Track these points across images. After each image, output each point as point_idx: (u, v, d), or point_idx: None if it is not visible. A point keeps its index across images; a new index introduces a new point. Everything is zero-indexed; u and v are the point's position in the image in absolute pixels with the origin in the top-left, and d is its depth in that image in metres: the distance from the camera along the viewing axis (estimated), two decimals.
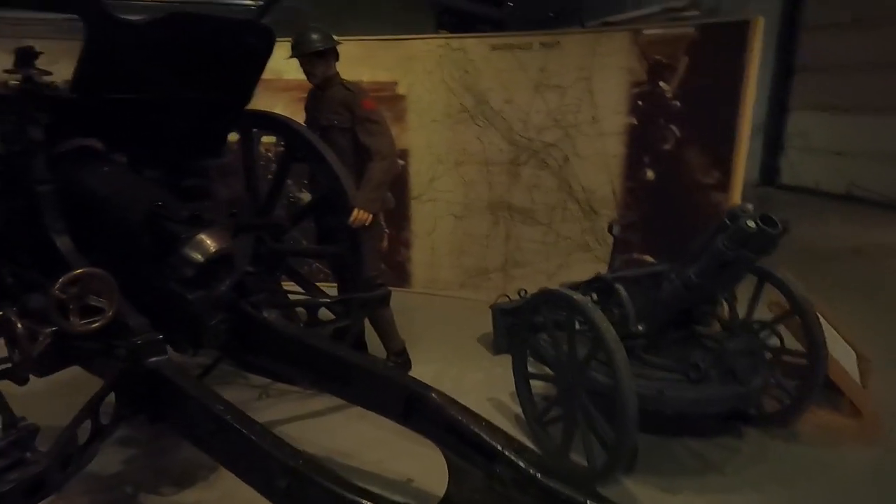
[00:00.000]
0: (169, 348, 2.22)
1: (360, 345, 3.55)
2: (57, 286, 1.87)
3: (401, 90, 4.53)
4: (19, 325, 1.90)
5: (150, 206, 2.18)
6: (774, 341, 2.69)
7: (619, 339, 2.22)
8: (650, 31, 3.75)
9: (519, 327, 2.77)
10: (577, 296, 2.38)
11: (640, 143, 3.88)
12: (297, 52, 3.03)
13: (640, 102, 3.84)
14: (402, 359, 3.44)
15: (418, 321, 4.35)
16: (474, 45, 4.28)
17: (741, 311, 2.78)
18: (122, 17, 2.12)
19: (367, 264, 2.95)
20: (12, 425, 1.75)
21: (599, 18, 11.78)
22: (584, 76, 3.97)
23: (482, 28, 4.94)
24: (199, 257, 2.16)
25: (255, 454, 1.71)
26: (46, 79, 2.16)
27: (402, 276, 4.90)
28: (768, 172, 10.16)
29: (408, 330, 4.10)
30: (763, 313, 2.82)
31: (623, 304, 2.63)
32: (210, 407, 1.87)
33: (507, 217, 4.46)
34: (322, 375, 2.40)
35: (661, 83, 3.71)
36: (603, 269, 3.79)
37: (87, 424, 1.92)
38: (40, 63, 2.22)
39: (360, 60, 4.55)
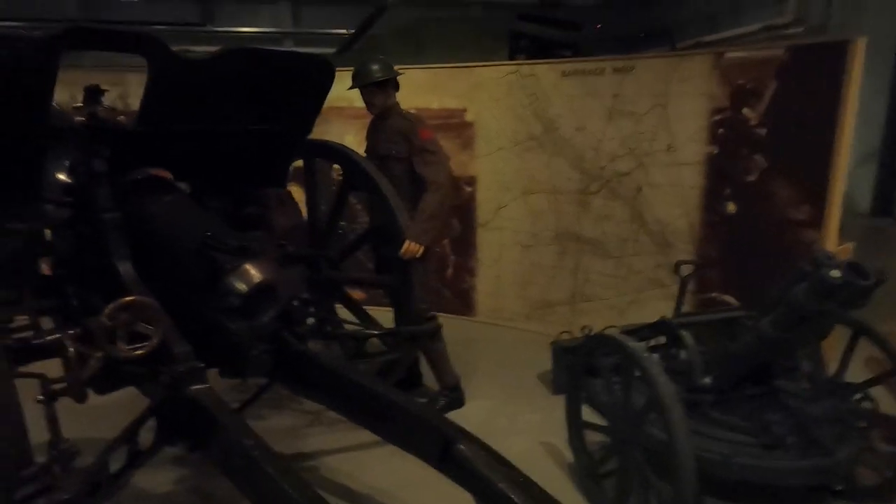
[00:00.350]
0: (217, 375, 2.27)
1: (415, 377, 3.49)
2: (106, 313, 1.94)
3: (469, 117, 4.49)
4: (71, 349, 1.99)
5: (201, 235, 2.24)
6: (869, 405, 2.34)
7: (675, 395, 2.01)
8: (733, 54, 3.48)
9: (574, 370, 2.60)
10: (632, 342, 2.19)
11: (721, 173, 3.59)
12: (356, 82, 3.06)
13: (720, 130, 3.56)
14: (455, 394, 3.33)
15: (478, 352, 4.24)
16: (545, 72, 4.17)
17: (832, 367, 2.46)
18: (183, 55, 2.21)
19: (418, 297, 2.89)
20: (54, 447, 1.82)
21: (693, 38, 11.28)
22: (660, 102, 3.75)
23: (561, 54, 4.81)
24: (242, 287, 2.18)
25: (278, 494, 1.67)
26: (113, 114, 2.28)
27: (466, 304, 4.81)
28: (884, 202, 9.21)
29: (466, 361, 4.01)
30: (858, 372, 2.48)
31: (688, 354, 2.40)
32: (240, 441, 1.85)
33: (575, 248, 4.27)
34: (360, 410, 2.35)
35: (745, 109, 3.42)
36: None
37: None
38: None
39: (429, 88, 4.57)
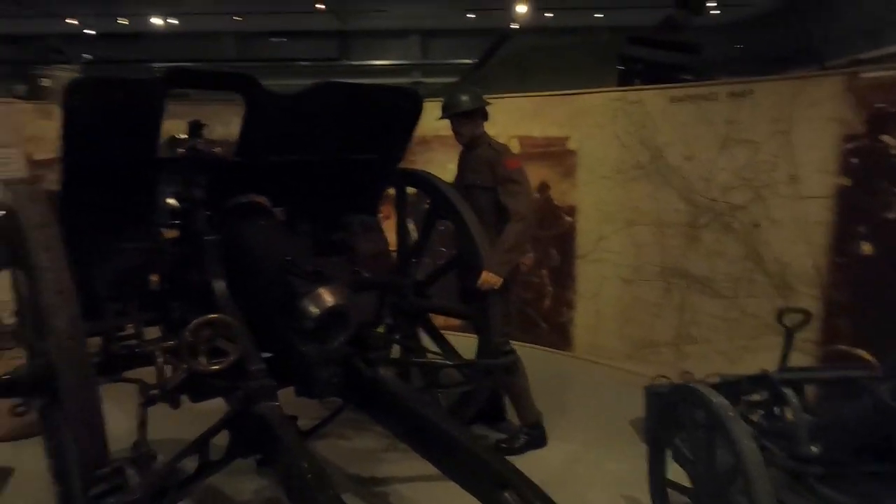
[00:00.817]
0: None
1: (498, 411, 3.39)
2: (190, 328, 2.10)
3: (571, 145, 4.36)
4: (159, 360, 2.17)
5: (281, 259, 2.36)
6: None
7: (761, 463, 1.75)
8: (870, 75, 3.06)
9: (659, 420, 2.38)
10: (717, 398, 1.95)
11: (854, 208, 3.14)
12: (445, 112, 3.09)
13: (854, 160, 3.13)
14: (535, 433, 3.19)
15: (570, 390, 4.04)
16: (652, 97, 3.95)
17: None
18: (275, 91, 2.37)
19: (496, 329, 2.82)
20: (136, 449, 1.99)
21: (847, 55, 10.17)
22: (782, 129, 3.38)
23: (681, 79, 4.52)
24: (314, 311, 2.25)
25: None
26: (211, 146, 2.49)
27: (563, 338, 4.62)
28: None
29: (555, 398, 3.84)
30: None
31: (793, 415, 2.09)
32: (297, 462, 1.90)
33: (682, 285, 3.95)
34: (423, 442, 2.33)
35: (885, 136, 2.98)
36: (802, 359, 3.13)
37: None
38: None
39: (531, 116, 4.52)
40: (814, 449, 2.05)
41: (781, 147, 3.40)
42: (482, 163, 3.04)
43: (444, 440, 2.20)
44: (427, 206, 3.18)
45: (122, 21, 13.37)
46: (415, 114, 2.84)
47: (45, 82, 9.28)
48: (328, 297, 2.29)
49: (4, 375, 2.15)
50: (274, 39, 15.94)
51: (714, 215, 3.75)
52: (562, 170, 4.43)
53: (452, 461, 2.17)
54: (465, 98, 3.03)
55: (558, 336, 4.64)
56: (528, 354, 4.66)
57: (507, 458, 2.97)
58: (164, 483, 1.89)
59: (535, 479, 2.89)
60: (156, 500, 1.85)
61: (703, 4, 5.29)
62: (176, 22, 13.55)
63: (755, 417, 2.34)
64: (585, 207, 4.37)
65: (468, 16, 13.24)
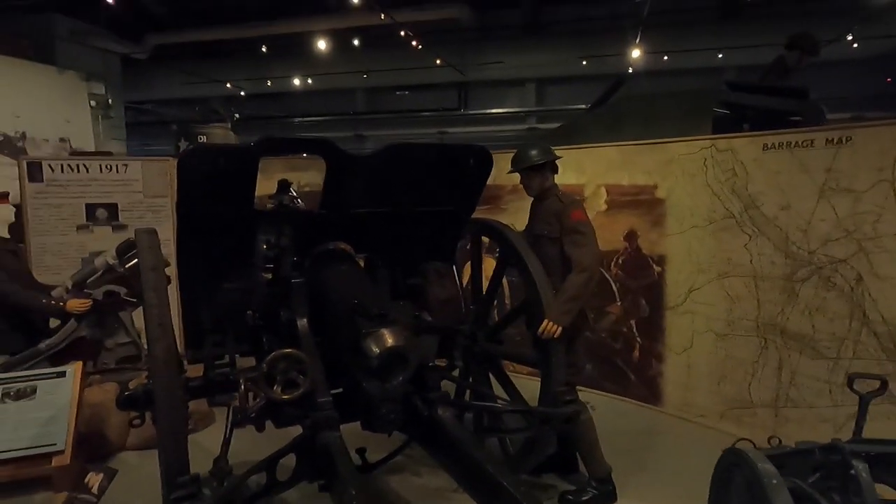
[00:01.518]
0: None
1: (570, 462, 3.36)
2: (266, 361, 2.39)
3: (660, 194, 4.29)
4: (242, 387, 2.49)
5: (350, 301, 2.61)
6: None
7: None
8: None
9: (714, 483, 2.28)
10: (764, 464, 1.86)
11: None
12: (514, 166, 3.24)
13: None
14: (603, 487, 3.12)
15: (654, 447, 3.88)
16: (743, 145, 3.81)
17: None
18: (351, 152, 2.67)
19: (556, 378, 2.85)
20: (216, 463, 2.29)
21: None
22: (886, 177, 3.12)
23: (794, 125, 4.24)
24: (375, 350, 2.46)
25: None
26: (294, 201, 2.84)
27: (652, 392, 4.45)
28: None
29: (637, 454, 3.73)
30: None
31: (861, 493, 1.93)
32: (348, 490, 2.09)
33: (779, 343, 3.69)
34: (472, 483, 2.43)
35: None
36: None
37: None
38: None
39: (619, 165, 4.52)
40: None
41: (886, 197, 3.13)
42: (550, 214, 3.13)
43: (490, 483, 2.28)
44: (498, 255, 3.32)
45: (269, 83, 15.13)
46: (484, 168, 3.01)
47: (202, 138, 10.73)
48: (389, 339, 2.49)
49: (126, 392, 2.59)
50: (399, 93, 17.08)
51: (814, 269, 3.50)
52: (650, 218, 4.36)
53: (494, 500, 2.24)
54: (533, 153, 3.16)
55: (648, 390, 4.48)
56: (616, 407, 4.61)
57: None
58: (231, 496, 2.16)
59: None
60: None
61: (816, 44, 4.99)
62: (310, 81, 15.05)
63: (826, 491, 2.16)
64: (675, 257, 4.24)
65: (582, 63, 13.35)
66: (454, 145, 3.01)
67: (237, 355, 2.83)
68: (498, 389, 3.35)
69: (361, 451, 2.98)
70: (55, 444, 3.29)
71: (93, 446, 3.53)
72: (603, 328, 4.72)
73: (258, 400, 2.48)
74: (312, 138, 2.68)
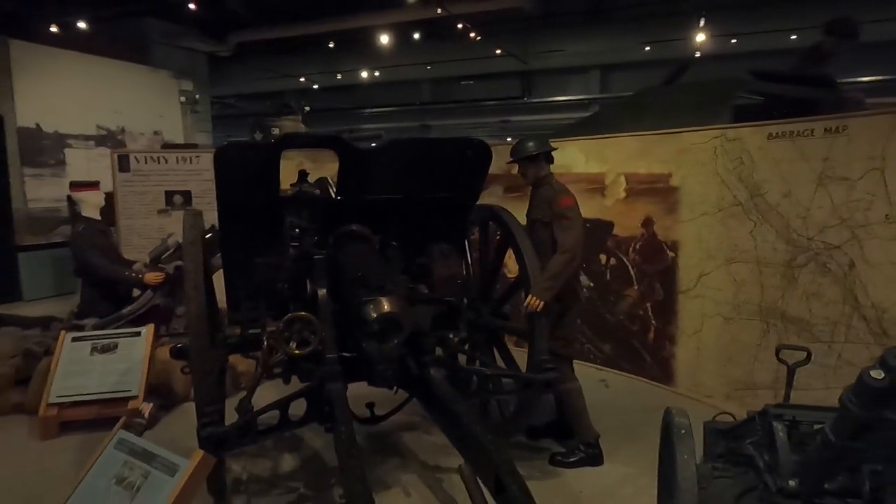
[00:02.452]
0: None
1: (566, 428, 3.65)
2: (283, 321, 2.88)
3: (674, 182, 4.44)
4: (265, 343, 2.99)
5: (355, 275, 3.05)
6: None
7: (693, 478, 1.92)
8: None
9: (661, 444, 2.55)
10: (679, 418, 2.14)
11: None
12: (512, 156, 3.54)
13: None
14: (590, 451, 3.42)
15: (653, 422, 4.06)
16: (750, 134, 3.92)
17: None
18: (360, 146, 3.09)
19: (539, 347, 3.17)
20: (242, 402, 2.81)
21: None
22: (877, 166, 3.19)
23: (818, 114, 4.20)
24: (372, 315, 2.88)
25: (347, 488, 2.29)
26: (312, 189, 3.30)
27: (665, 373, 4.64)
28: None
29: (638, 428, 3.97)
30: None
31: (779, 449, 2.16)
32: (344, 437, 2.53)
33: (779, 327, 3.81)
34: (453, 433, 2.84)
35: None
36: None
37: None
38: None
39: (637, 154, 4.70)
40: (792, 484, 2.09)
41: (877, 185, 3.20)
42: (543, 200, 3.43)
43: (467, 434, 2.67)
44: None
45: (339, 76, 15.90)
46: (483, 159, 3.35)
47: (275, 130, 11.56)
48: (385, 305, 2.91)
49: (178, 344, 3.16)
50: (463, 83, 17.40)
51: (811, 255, 3.60)
52: (665, 206, 4.53)
53: (471, 451, 2.64)
54: (530, 144, 3.46)
55: (661, 370, 4.67)
56: (631, 385, 4.84)
57: (561, 469, 3.33)
58: (246, 427, 2.67)
59: (577, 491, 3.22)
60: (241, 435, 2.64)
61: (854, 29, 4.89)
62: (377, 74, 15.67)
63: (760, 450, 2.38)
64: (687, 243, 4.40)
65: (645, 49, 13.13)
66: (452, 139, 3.36)
67: (269, 318, 3.35)
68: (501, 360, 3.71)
69: (370, 406, 3.44)
70: (130, 391, 3.97)
71: (161, 395, 4.20)
72: (621, 311, 4.94)
73: (278, 354, 2.98)
74: (324, 135, 3.12)
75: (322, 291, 3.22)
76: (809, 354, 2.35)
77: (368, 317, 2.89)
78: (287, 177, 3.41)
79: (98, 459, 2.51)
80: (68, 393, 3.94)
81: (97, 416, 3.85)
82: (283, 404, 2.85)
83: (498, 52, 13.46)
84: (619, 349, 4.99)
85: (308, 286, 3.32)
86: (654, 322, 4.70)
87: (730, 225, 4.08)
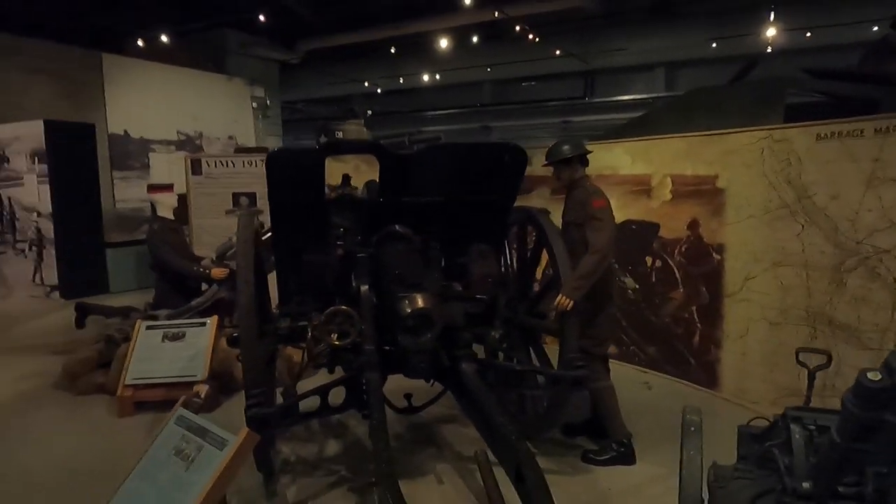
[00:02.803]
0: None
1: (599, 427, 3.70)
2: (325, 314, 3.11)
3: (720, 184, 4.38)
4: (309, 335, 3.23)
5: (393, 273, 3.24)
6: None
7: (696, 472, 1.98)
8: None
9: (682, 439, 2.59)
10: (691, 417, 2.18)
11: None
12: (547, 159, 3.62)
13: None
14: (623, 450, 3.46)
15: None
16: (797, 135, 3.82)
17: None
18: (398, 152, 3.28)
19: (569, 346, 3.25)
20: (287, 388, 3.06)
21: None
22: None
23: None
24: (407, 310, 3.07)
25: (378, 470, 2.49)
26: (355, 192, 3.52)
27: (710, 377, 4.58)
28: None
29: (676, 430, 3.94)
30: None
31: (794, 451, 2.17)
32: (375, 423, 2.73)
33: (827, 333, 3.70)
34: (482, 425, 2.99)
35: None
36: None
37: None
38: None
39: (683, 155, 4.66)
40: (805, 486, 2.10)
41: None
42: (577, 203, 3.50)
43: (493, 425, 2.81)
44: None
45: (401, 80, 16.30)
46: (519, 163, 3.46)
47: (339, 134, 12.01)
48: (419, 302, 3.09)
49: (234, 334, 3.45)
50: (524, 84, 17.41)
51: (860, 259, 3.48)
52: (711, 208, 4.47)
53: (495, 442, 2.78)
54: (566, 148, 3.53)
55: (706, 374, 4.61)
56: (675, 388, 4.81)
57: (592, 466, 3.41)
58: (288, 410, 2.91)
59: (605, 488, 3.30)
60: (283, 416, 2.88)
61: None
62: (437, 77, 15.94)
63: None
64: (733, 246, 4.33)
65: (712, 45, 12.71)
66: (489, 143, 3.49)
67: (315, 312, 3.60)
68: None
69: (408, 396, 3.62)
70: (196, 375, 4.34)
71: (223, 381, 4.56)
72: (666, 313, 4.90)
73: (322, 345, 3.21)
74: (365, 141, 3.34)
75: (364, 287, 3.43)
76: (830, 358, 2.33)
77: (403, 312, 3.07)
78: (359, 178, 3.64)
79: (160, 433, 2.82)
80: (142, 376, 4.36)
81: (165, 398, 4.24)
82: (323, 391, 3.08)
83: (557, 52, 13.40)
84: (663, 352, 4.96)
85: (352, 282, 3.55)
86: (699, 325, 4.64)
87: (776, 227, 3.99)
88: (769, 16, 10.85)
